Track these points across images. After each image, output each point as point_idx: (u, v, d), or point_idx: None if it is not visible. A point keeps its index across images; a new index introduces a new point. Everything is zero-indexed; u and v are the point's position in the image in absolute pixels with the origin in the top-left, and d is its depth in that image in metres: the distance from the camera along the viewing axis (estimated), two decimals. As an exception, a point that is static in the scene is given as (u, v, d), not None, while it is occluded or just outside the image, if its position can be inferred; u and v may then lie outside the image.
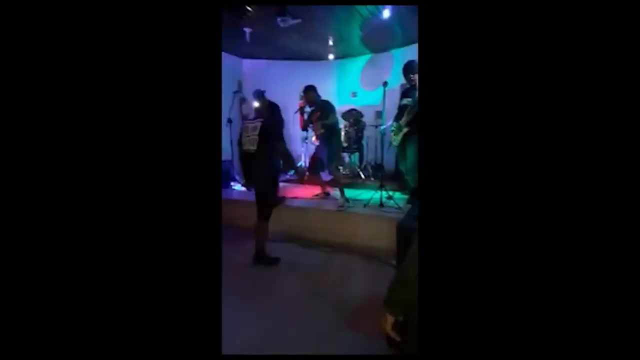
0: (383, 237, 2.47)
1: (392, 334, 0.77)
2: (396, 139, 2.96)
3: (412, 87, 2.84)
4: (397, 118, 2.95)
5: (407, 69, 2.84)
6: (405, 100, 2.87)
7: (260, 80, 4.03)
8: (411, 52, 4.41)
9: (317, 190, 3.49)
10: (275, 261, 2.32)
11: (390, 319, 0.75)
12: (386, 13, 3.36)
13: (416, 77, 2.78)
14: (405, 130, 2.85)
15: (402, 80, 3.37)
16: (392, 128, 3.02)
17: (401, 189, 3.24)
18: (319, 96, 3.13)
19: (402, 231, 1.42)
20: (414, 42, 4.38)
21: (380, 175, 3.11)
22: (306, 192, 3.54)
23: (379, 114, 4.79)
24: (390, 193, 3.00)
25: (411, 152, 2.85)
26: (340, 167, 3.50)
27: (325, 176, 3.43)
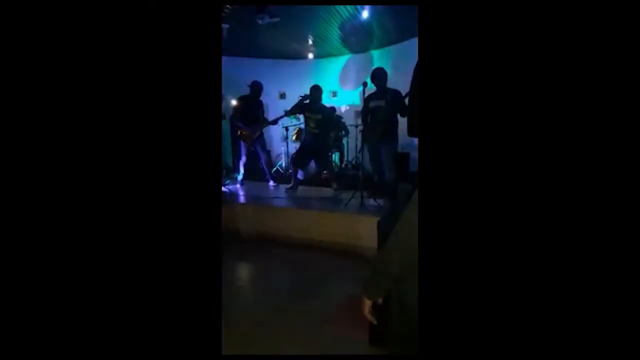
0: (364, 236, 2.50)
1: (370, 317, 0.79)
2: (373, 139, 3.05)
3: (382, 91, 2.98)
4: (366, 119, 3.07)
5: (376, 75, 2.99)
6: (377, 102, 2.99)
7: (238, 79, 3.95)
8: (390, 53, 4.49)
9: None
10: None
11: (368, 303, 0.77)
12: (365, 14, 3.40)
13: (385, 83, 2.98)
14: (381, 128, 2.96)
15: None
16: (361, 129, 3.10)
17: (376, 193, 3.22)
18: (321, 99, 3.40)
19: (383, 229, 1.43)
20: (393, 43, 4.46)
21: (361, 175, 3.15)
22: (285, 193, 3.52)
23: (358, 114, 4.84)
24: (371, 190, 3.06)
25: (386, 151, 2.98)
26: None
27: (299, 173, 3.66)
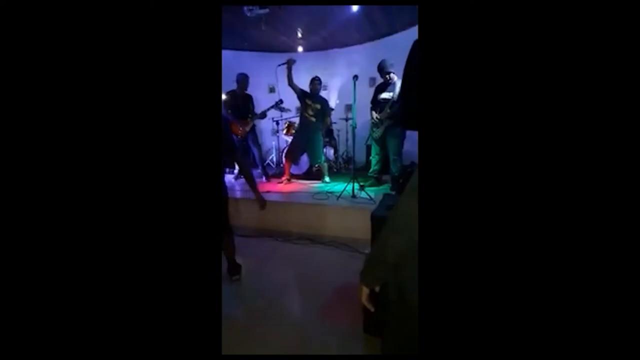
0: (357, 227, 2.52)
1: (367, 305, 0.79)
2: (378, 132, 3.12)
3: (389, 83, 3.04)
4: (376, 111, 3.14)
5: (382, 66, 3.04)
6: (386, 95, 3.05)
7: (227, 72, 3.89)
8: (380, 46, 4.49)
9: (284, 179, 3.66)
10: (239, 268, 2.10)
11: (365, 291, 0.78)
12: (355, 7, 3.39)
13: (392, 75, 3.02)
14: (387, 123, 3.06)
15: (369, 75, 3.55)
16: (371, 121, 3.19)
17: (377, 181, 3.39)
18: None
19: (376, 221, 1.46)
20: (382, 37, 4.46)
21: (352, 168, 3.18)
22: (278, 187, 3.52)
23: (349, 107, 4.84)
24: (363, 183, 3.10)
25: (393, 143, 3.07)
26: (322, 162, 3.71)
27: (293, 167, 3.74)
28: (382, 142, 3.18)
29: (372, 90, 3.35)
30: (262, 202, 1.97)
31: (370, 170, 3.41)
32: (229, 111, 3.60)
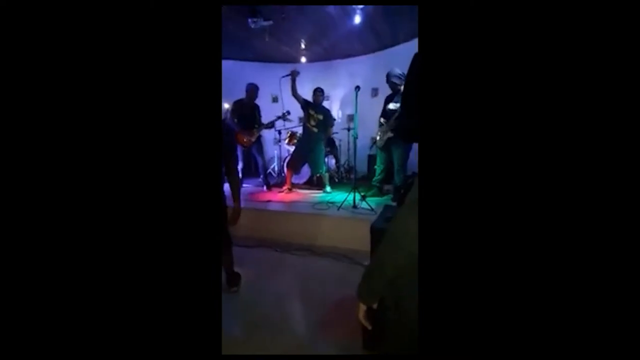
0: (357, 238, 2.49)
1: (364, 322, 0.77)
2: (382, 140, 3.16)
3: (397, 92, 3.05)
4: (385, 119, 3.16)
5: (390, 76, 3.07)
6: (392, 105, 3.08)
7: (229, 82, 3.94)
8: (382, 57, 4.53)
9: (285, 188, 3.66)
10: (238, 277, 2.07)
11: (362, 307, 0.76)
12: (357, 19, 3.43)
13: (400, 86, 3.02)
14: (389, 134, 3.07)
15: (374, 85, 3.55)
16: (379, 126, 3.22)
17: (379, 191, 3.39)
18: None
19: (376, 232, 1.43)
20: (384, 48, 4.50)
21: (354, 178, 3.16)
22: (279, 196, 3.51)
23: (351, 118, 4.86)
24: (364, 193, 3.09)
25: (398, 153, 3.08)
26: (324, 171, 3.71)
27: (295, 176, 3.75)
28: (387, 151, 3.18)
29: (374, 101, 3.37)
30: (235, 213, 1.83)
31: (374, 178, 3.39)
32: (236, 120, 3.61)
